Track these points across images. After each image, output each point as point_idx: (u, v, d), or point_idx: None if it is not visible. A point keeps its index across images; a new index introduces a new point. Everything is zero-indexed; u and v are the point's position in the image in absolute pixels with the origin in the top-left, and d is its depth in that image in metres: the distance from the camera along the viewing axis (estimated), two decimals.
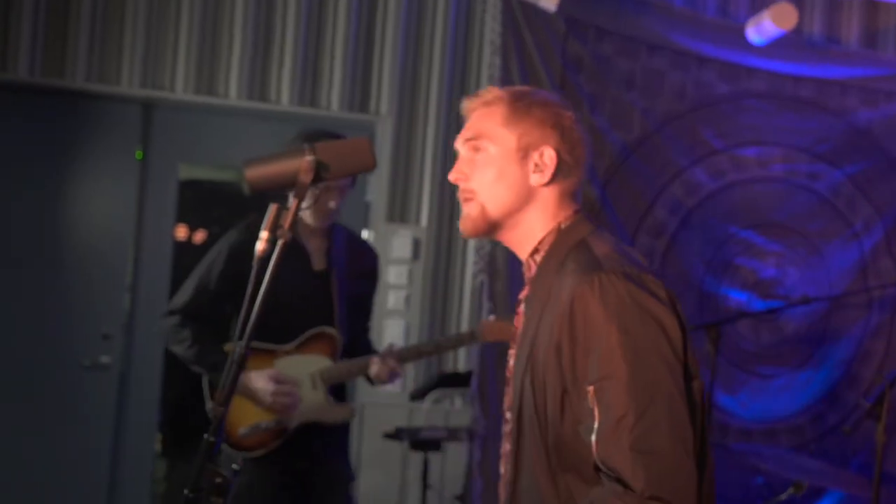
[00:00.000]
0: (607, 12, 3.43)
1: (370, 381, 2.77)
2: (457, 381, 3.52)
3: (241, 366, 1.33)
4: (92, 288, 3.80)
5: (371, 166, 1.43)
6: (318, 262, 2.73)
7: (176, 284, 3.14)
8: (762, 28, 3.18)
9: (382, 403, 3.76)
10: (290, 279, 2.55)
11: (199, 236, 4.24)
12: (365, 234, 4.02)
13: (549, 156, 1.46)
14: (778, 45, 3.51)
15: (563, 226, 1.46)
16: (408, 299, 3.86)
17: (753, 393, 3.63)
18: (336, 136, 2.74)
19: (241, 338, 1.32)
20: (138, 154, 3.85)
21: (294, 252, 2.61)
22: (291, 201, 1.37)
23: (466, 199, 1.48)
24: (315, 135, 2.69)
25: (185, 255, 3.92)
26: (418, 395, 3.54)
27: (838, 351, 3.77)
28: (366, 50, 3.82)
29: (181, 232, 4.08)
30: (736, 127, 3.65)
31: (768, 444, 3.66)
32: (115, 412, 3.80)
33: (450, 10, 3.85)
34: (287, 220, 1.34)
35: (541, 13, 3.28)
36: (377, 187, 3.89)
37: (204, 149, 3.97)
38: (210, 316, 2.70)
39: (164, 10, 3.69)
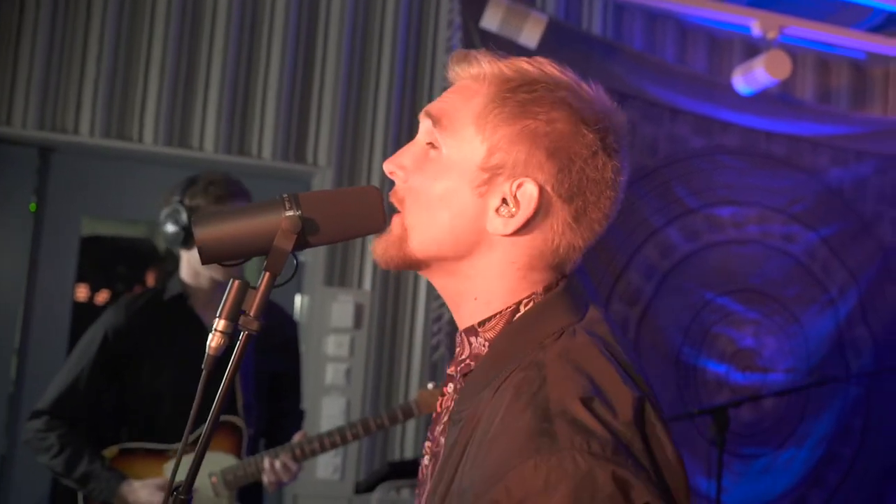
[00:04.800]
0: (577, 56, 3.12)
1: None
2: (409, 470, 3.04)
3: None
4: None
5: (380, 226, 0.99)
6: None
7: None
8: (752, 77, 2.92)
9: (319, 496, 3.26)
10: (180, 359, 2.11)
11: (103, 297, 3.67)
12: (299, 301, 3.54)
13: (527, 193, 0.92)
14: (752, 99, 3.27)
15: (523, 307, 0.94)
16: (349, 373, 3.38)
17: (735, 477, 3.29)
18: (242, 189, 2.22)
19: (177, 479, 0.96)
20: (32, 206, 3.30)
21: (185, 325, 2.19)
22: (262, 276, 0.95)
23: (397, 206, 1.00)
24: (197, 183, 2.20)
25: (88, 320, 3.33)
26: (366, 488, 3.03)
27: (819, 427, 3.48)
28: (302, 94, 3.40)
29: (81, 292, 3.50)
30: (710, 184, 3.39)
31: None
32: None
33: (397, 48, 3.47)
34: (254, 305, 0.95)
35: (503, 51, 2.92)
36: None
37: (112, 200, 3.44)
38: (83, 416, 2.21)
39: (69, 41, 3.19)
